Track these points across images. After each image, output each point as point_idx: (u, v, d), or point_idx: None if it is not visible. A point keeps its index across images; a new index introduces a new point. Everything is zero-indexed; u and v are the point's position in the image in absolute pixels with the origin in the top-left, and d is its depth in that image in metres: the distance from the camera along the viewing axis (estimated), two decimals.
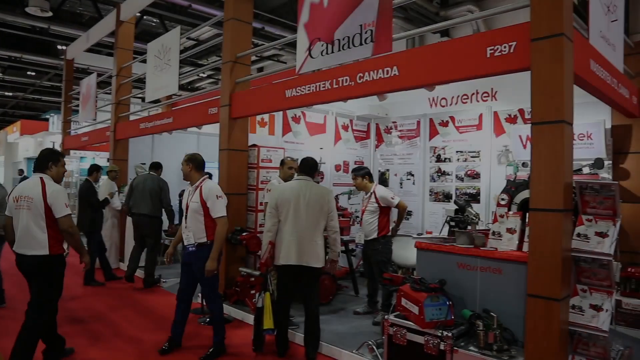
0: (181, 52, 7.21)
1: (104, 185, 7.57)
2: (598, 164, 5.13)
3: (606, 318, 3.17)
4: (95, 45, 10.96)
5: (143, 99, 10.05)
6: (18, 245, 3.70)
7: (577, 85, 3.35)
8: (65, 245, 3.87)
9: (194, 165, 4.33)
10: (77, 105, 11.04)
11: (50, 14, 9.18)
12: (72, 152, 12.85)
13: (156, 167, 7.31)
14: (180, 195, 8.64)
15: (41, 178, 3.72)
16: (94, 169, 7.33)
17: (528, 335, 3.19)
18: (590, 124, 5.30)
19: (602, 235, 3.25)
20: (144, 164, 8.10)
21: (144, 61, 8.01)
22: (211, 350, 4.21)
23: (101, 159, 14.04)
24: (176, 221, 7.26)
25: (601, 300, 3.25)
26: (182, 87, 14.21)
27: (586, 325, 3.20)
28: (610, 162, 5.35)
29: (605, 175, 5.33)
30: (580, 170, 5.30)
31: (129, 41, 9.27)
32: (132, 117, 9.33)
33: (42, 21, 9.88)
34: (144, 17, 10.85)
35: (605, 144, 5.26)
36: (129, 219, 7.70)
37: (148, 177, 7.10)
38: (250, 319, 4.91)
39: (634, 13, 5.78)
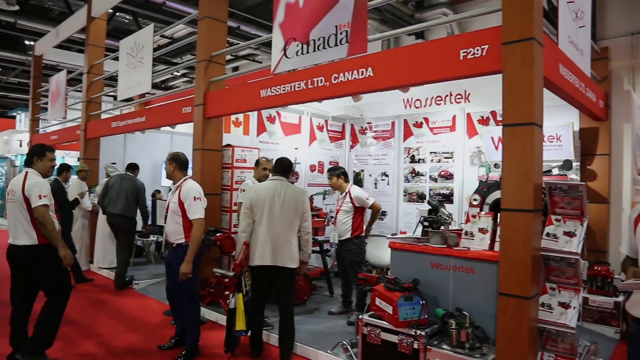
0: (155, 50, 7.11)
1: (73, 185, 7.38)
2: (567, 165, 5.26)
3: (574, 315, 3.25)
4: (65, 42, 10.69)
5: (115, 97, 9.83)
6: (10, 236, 3.87)
7: (546, 88, 3.43)
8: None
9: (177, 164, 4.28)
10: (46, 103, 10.74)
11: (16, 7, 8.87)
12: None
13: (133, 168, 7.28)
14: (153, 195, 8.52)
15: (26, 172, 3.92)
16: (64, 169, 7.13)
17: (499, 332, 3.25)
18: (560, 126, 5.44)
19: (570, 234, 3.34)
20: (115, 163, 7.95)
21: (116, 59, 7.85)
22: (184, 352, 4.14)
23: (71, 158, 13.69)
24: (151, 222, 7.15)
25: (569, 297, 3.34)
26: (155, 86, 13.98)
27: (555, 322, 3.28)
28: (579, 163, 5.50)
29: (574, 176, 5.48)
30: (549, 171, 5.43)
31: (100, 38, 9.07)
32: (103, 116, 9.13)
33: (8, 15, 9.54)
34: (117, 13, 10.62)
35: (573, 146, 5.40)
36: (100, 220, 7.55)
37: (125, 177, 7.00)
38: (224, 320, 4.86)
39: (600, 20, 5.97)
